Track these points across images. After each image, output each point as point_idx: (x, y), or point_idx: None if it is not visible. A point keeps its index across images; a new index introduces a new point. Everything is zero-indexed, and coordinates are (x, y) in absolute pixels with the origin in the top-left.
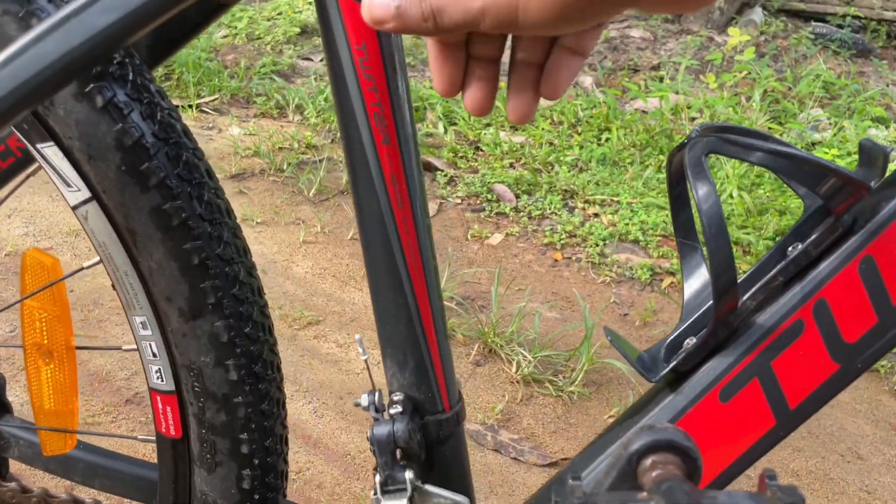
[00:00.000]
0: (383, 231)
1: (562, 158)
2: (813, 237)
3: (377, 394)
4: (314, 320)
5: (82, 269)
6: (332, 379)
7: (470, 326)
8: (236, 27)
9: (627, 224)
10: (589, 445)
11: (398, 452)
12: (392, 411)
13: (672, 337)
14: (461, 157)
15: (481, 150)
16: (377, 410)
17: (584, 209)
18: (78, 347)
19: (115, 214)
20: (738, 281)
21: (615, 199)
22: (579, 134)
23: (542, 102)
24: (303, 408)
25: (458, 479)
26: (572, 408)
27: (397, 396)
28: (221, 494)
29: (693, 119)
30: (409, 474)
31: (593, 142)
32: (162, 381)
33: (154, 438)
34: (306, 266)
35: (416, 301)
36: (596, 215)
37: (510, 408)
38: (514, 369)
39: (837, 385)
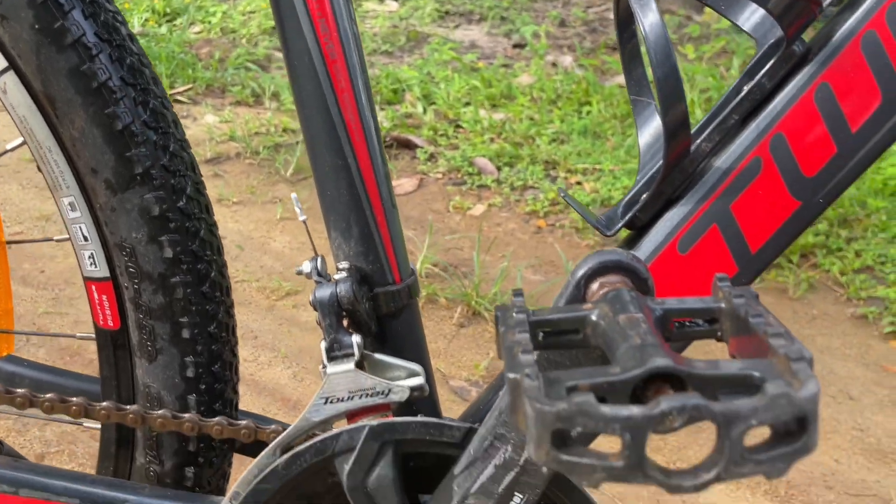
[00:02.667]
0: (316, 84)
1: (542, 132)
2: (766, 68)
3: (319, 259)
4: (292, 290)
5: (6, 151)
6: (311, 345)
7: (453, 290)
8: (210, 21)
9: (610, 189)
10: None
11: (345, 320)
12: (336, 277)
13: (629, 195)
14: (441, 135)
15: (462, 127)
16: (320, 276)
17: (566, 178)
18: (9, 242)
19: (32, 81)
20: (695, 127)
21: (597, 167)
22: (559, 108)
23: (523, 79)
24: (282, 373)
25: (413, 355)
26: None
27: (343, 265)
28: (164, 384)
29: None
30: (356, 338)
31: (573, 115)
32: (95, 266)
33: (93, 335)
34: (284, 241)
35: (357, 162)
36: (579, 183)
37: (495, 364)
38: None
39: (799, 224)
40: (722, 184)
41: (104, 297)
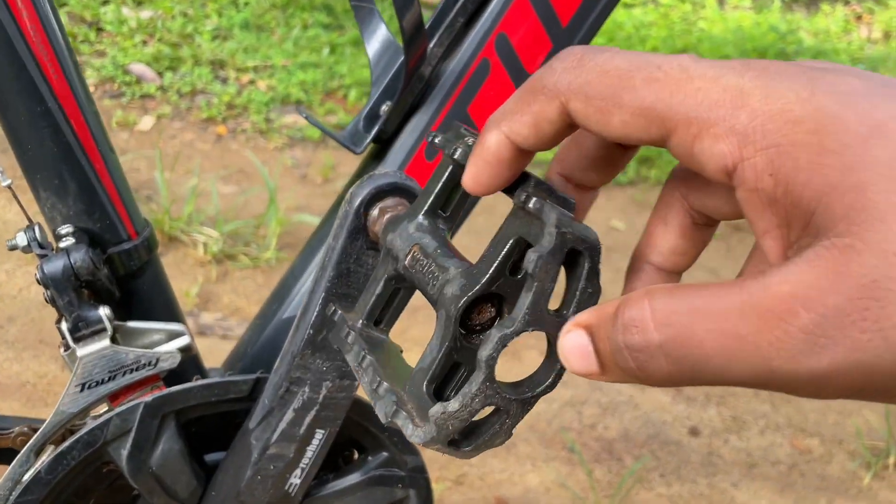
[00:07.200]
0: None
1: (201, 28)
2: None
3: (37, 228)
4: None
5: None
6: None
7: None
8: None
9: (287, 86)
10: (305, 247)
11: (84, 292)
12: (63, 245)
13: (368, 108)
14: (83, 41)
15: (105, 30)
16: (42, 247)
17: (237, 78)
18: None
19: None
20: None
21: (268, 63)
22: (214, 1)
23: None
24: None
25: (165, 313)
26: (272, 274)
27: (66, 229)
28: None
29: None
30: (104, 311)
31: (231, 8)
32: None
33: None
34: None
35: (58, 104)
36: (252, 82)
37: (207, 289)
38: (201, 251)
39: None
40: (457, 88)
41: None
